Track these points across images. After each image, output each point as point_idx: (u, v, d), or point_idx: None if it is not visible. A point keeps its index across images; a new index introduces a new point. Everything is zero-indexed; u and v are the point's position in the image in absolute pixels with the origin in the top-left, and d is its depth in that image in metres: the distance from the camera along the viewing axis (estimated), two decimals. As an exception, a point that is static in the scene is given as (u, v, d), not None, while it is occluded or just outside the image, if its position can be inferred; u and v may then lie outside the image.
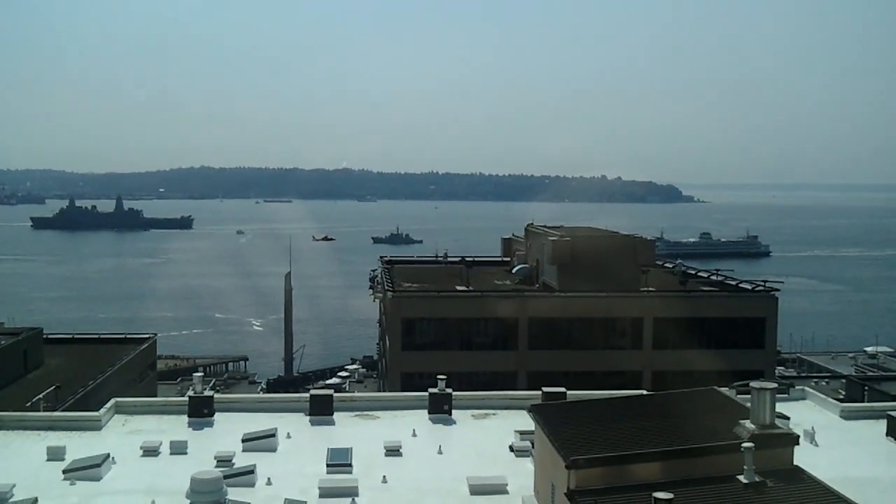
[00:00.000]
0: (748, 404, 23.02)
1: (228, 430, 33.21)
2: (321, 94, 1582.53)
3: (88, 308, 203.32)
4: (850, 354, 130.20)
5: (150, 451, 30.93)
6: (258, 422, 33.53)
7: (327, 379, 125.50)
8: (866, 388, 74.36)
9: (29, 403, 50.15)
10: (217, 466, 28.67)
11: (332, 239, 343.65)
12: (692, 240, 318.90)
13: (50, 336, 75.51)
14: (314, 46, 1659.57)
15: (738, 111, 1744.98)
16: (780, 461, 21.74)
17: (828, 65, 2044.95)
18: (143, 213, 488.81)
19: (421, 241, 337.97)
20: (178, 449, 31.03)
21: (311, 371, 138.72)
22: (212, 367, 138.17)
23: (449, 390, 36.23)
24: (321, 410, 35.67)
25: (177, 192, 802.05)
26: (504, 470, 28.93)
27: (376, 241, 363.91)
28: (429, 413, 35.83)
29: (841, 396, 72.37)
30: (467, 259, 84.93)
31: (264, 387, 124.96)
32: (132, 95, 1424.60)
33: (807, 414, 35.67)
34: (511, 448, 31.52)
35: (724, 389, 27.98)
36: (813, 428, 32.04)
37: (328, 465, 29.46)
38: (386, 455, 31.00)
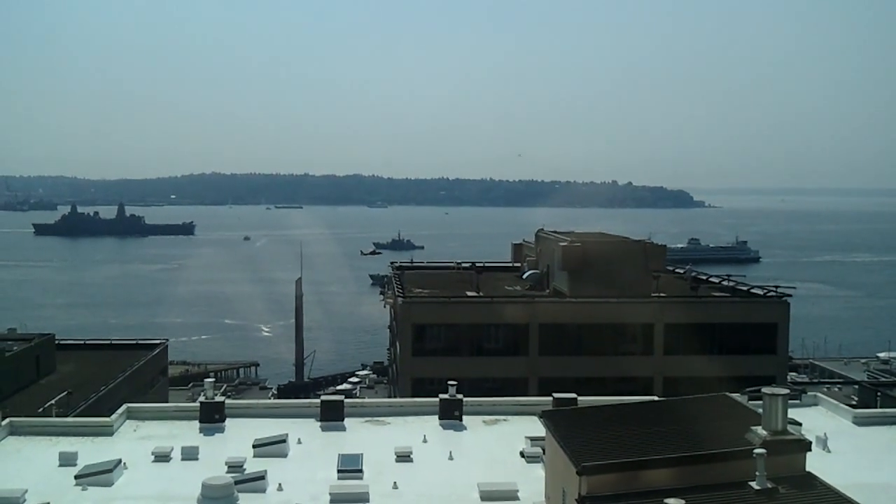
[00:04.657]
0: (760, 410, 22.97)
1: (239, 435, 33.27)
2: (332, 100, 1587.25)
3: (98, 314, 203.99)
4: (863, 360, 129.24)
5: (162, 457, 31.01)
6: (269, 427, 33.57)
7: (338, 384, 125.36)
8: (879, 393, 73.91)
9: (41, 409, 50.47)
10: (228, 472, 28.78)
11: (378, 253, 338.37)
12: (680, 245, 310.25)
13: (62, 342, 75.83)
14: (325, 53, 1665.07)
15: (749, 116, 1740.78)
16: (793, 467, 21.67)
17: (840, 69, 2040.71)
18: (144, 220, 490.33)
19: (423, 247, 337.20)
20: (190, 455, 31.09)
21: (321, 377, 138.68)
22: (223, 372, 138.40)
23: (459, 396, 36.23)
24: (332, 416, 35.72)
25: (188, 198, 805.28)
26: (515, 476, 28.89)
27: (378, 246, 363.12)
28: (439, 419, 35.82)
29: (853, 402, 71.89)
30: (478, 265, 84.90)
31: (275, 392, 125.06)
32: (144, 102, 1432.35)
33: (819, 420, 35.51)
34: (522, 454, 31.49)
35: (735, 395, 27.91)
36: (825, 434, 31.90)
37: (339, 471, 29.51)
38: (396, 461, 31.00)
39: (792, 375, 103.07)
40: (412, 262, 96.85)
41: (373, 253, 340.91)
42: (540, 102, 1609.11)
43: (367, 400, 52.28)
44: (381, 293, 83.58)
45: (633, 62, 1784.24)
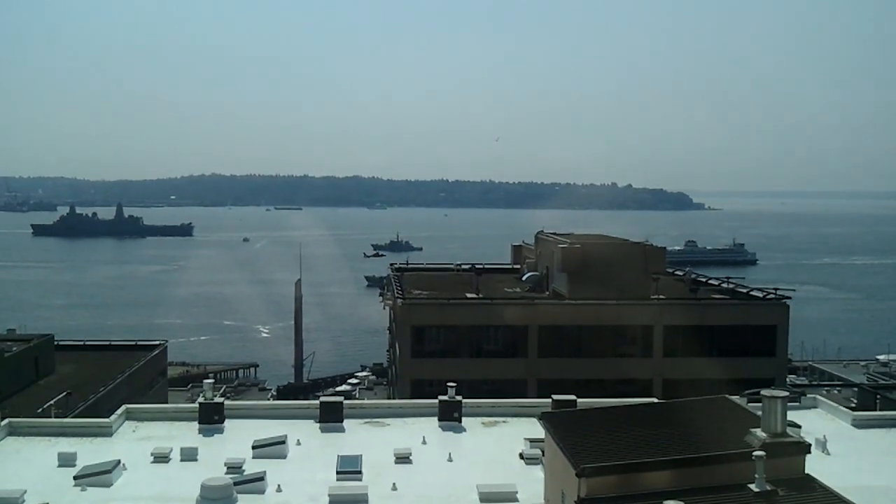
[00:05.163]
0: (759, 412, 22.97)
1: (239, 436, 33.27)
2: (332, 102, 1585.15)
3: (97, 315, 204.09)
4: (862, 363, 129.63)
5: (161, 458, 31.00)
6: (268, 429, 33.57)
7: (337, 386, 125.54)
8: (878, 396, 74.02)
9: (40, 409, 50.49)
10: (227, 473, 28.77)
11: (382, 255, 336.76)
12: (677, 248, 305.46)
13: (61, 343, 75.88)
14: (325, 54, 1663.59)
15: (749, 118, 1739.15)
16: (792, 470, 21.67)
17: (841, 70, 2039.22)
18: (143, 221, 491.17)
19: (421, 249, 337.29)
20: (189, 456, 31.09)
21: (321, 378, 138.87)
22: (222, 373, 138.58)
23: (459, 398, 36.21)
24: (331, 417, 35.72)
25: (187, 199, 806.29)
26: (514, 478, 28.88)
27: (376, 248, 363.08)
28: (439, 420, 35.81)
29: (853, 405, 71.98)
30: (477, 266, 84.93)
31: (274, 393, 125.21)
32: (144, 103, 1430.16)
33: (818, 422, 35.51)
34: (521, 456, 31.48)
35: (735, 398, 27.91)
36: (825, 436, 31.90)
37: (338, 473, 29.49)
38: (396, 462, 31.00)
39: (791, 378, 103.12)
40: (407, 264, 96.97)
41: (376, 255, 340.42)
42: (540, 104, 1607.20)
43: (366, 401, 52.28)
44: (381, 295, 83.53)
45: (634, 64, 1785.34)
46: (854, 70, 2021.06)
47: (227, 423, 35.39)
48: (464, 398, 36.53)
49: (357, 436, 34.39)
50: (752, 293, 72.84)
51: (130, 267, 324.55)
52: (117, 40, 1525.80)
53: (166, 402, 71.90)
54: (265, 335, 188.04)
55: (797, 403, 37.36)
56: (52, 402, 51.61)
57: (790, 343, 71.72)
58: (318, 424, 35.47)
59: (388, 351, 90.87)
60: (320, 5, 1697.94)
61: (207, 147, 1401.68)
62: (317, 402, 37.88)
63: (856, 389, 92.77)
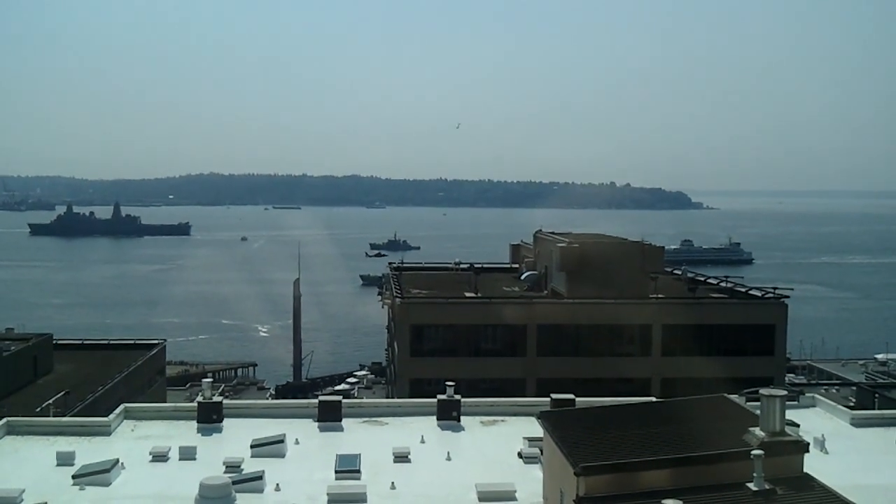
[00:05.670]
0: (758, 412, 22.98)
1: (237, 436, 33.28)
2: (331, 101, 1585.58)
3: (96, 314, 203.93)
4: (861, 362, 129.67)
5: (159, 457, 31.01)
6: (267, 428, 33.58)
7: (336, 385, 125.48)
8: (877, 395, 73.99)
9: (39, 409, 50.43)
10: (226, 472, 28.79)
11: (384, 255, 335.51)
12: (673, 247, 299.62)
13: (59, 342, 75.77)
14: (324, 54, 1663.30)
15: (748, 118, 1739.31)
16: (790, 469, 21.68)
17: (838, 72, 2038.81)
18: (140, 220, 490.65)
19: (419, 248, 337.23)
20: (187, 455, 31.10)
21: (319, 377, 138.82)
22: (221, 373, 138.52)
23: (457, 397, 36.23)
24: (330, 416, 35.72)
25: (186, 198, 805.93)
26: (513, 477, 28.90)
27: (374, 247, 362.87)
28: (437, 419, 35.84)
29: (851, 404, 71.96)
30: (476, 266, 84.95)
31: (273, 393, 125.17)
32: (143, 102, 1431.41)
33: (817, 421, 35.55)
34: (520, 455, 31.50)
35: (733, 397, 27.92)
36: (823, 435, 31.93)
37: (337, 472, 29.51)
38: (394, 461, 31.01)
39: (790, 377, 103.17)
40: (402, 263, 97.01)
41: (378, 255, 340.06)
42: (538, 103, 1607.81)
43: (364, 400, 52.28)
44: (379, 294, 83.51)
45: (632, 63, 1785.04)
46: (853, 70, 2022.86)
47: (226, 422, 35.40)
48: (462, 397, 36.56)
49: (356, 435, 34.39)
50: (750, 292, 72.84)
51: (128, 266, 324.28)
52: (116, 40, 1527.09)
53: (165, 402, 71.82)
54: (264, 334, 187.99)
55: (795, 402, 37.39)
56: (50, 401, 51.57)
57: (788, 342, 71.80)
58: (316, 423, 35.48)
59: (386, 350, 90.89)
60: (320, 5, 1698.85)
61: (206, 146, 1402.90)
62: (315, 401, 37.91)
63: (854, 388, 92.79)
